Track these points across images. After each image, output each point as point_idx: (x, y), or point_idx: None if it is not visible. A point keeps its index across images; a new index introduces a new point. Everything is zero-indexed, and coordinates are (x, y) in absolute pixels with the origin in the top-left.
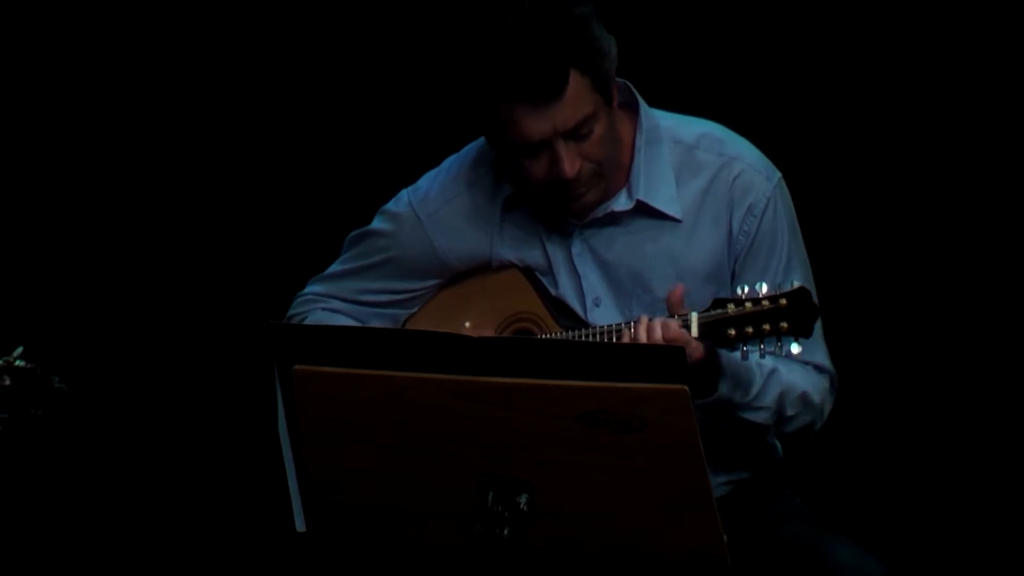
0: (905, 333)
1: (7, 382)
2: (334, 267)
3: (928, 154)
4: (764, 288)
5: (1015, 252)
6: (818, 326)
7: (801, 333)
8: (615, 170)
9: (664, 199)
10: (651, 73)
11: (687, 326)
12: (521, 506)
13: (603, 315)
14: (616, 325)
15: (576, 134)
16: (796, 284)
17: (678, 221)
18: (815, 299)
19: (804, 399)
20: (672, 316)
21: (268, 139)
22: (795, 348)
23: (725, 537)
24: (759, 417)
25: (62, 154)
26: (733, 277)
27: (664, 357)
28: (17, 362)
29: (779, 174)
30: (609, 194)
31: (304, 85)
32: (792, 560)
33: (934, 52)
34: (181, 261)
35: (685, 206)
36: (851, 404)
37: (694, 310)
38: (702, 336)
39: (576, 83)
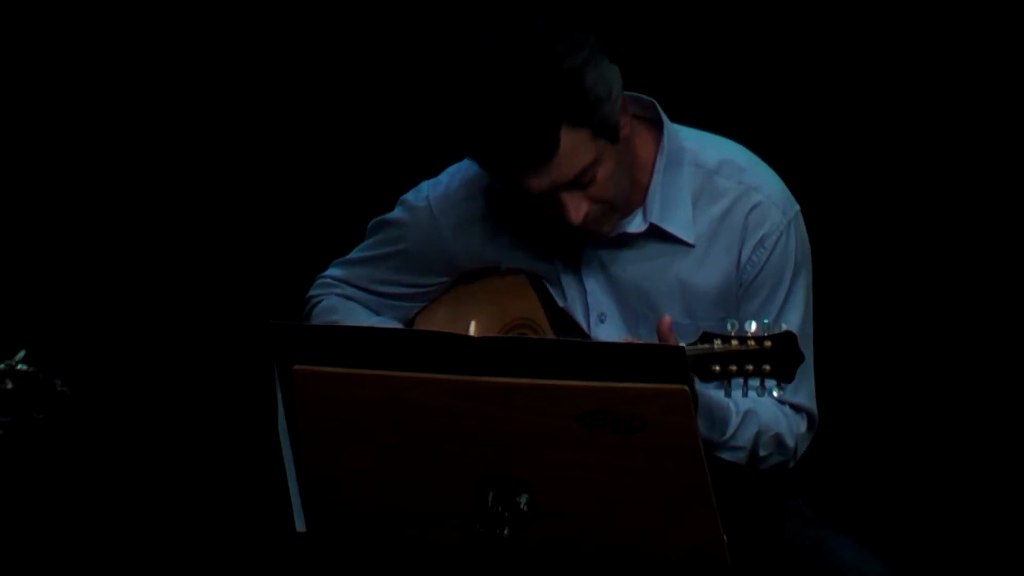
0: (905, 334)
1: (9, 386)
2: (354, 252)
3: (944, 180)
4: (753, 327)
5: (1011, 254)
6: (807, 364)
7: (782, 378)
8: (632, 191)
9: (678, 224)
10: (677, 86)
11: None
12: (521, 506)
13: (608, 331)
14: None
15: (578, 183)
16: (784, 327)
17: (691, 246)
18: (800, 345)
19: (778, 440)
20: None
21: (269, 139)
22: (776, 393)
23: (725, 537)
24: (733, 457)
25: (62, 155)
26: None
27: (664, 357)
28: (19, 366)
29: (796, 208)
30: (625, 213)
31: (297, 80)
32: (793, 561)
33: (966, 86)
34: (181, 262)
35: (700, 231)
36: (851, 405)
37: (682, 342)
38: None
39: (569, 139)
